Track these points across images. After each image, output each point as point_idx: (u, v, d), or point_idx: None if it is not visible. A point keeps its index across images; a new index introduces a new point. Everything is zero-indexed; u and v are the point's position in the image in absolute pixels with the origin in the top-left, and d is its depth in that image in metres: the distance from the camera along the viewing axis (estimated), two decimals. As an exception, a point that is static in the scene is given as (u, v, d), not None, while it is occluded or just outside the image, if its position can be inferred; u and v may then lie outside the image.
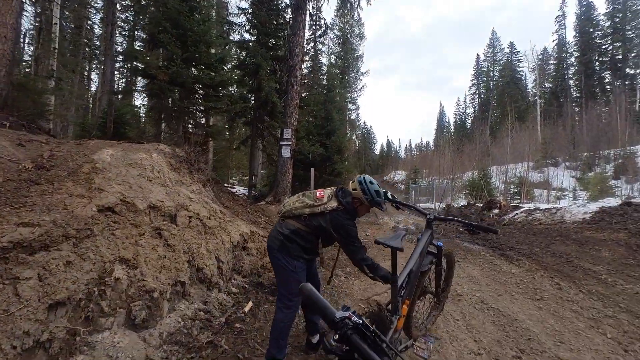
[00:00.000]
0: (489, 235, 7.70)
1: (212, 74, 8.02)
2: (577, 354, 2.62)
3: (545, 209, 10.94)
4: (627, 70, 36.65)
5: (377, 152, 68.73)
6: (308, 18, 10.48)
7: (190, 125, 9.07)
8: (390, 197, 2.38)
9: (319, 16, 15.24)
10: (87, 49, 20.49)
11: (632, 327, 3.09)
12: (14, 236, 1.92)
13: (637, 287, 4.05)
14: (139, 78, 9.53)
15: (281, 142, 9.12)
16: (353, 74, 34.02)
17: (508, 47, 47.57)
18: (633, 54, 36.00)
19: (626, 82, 35.85)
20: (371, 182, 2.21)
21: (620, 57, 36.81)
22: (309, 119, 12.59)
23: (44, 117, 7.12)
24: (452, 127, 58.29)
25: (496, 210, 12.26)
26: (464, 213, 13.46)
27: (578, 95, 39.41)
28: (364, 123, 62.90)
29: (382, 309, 1.86)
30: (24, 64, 9.35)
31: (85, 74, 23.59)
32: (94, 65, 24.23)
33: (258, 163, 18.16)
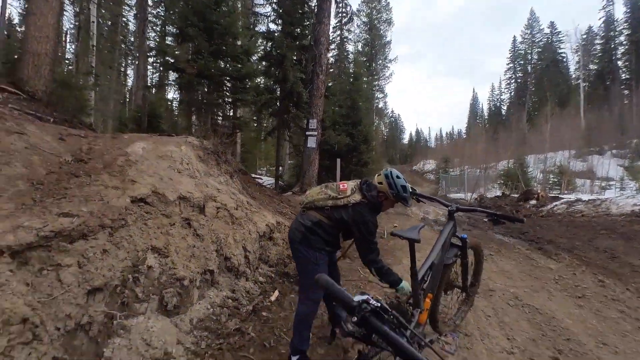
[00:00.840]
0: (522, 227, 7.31)
1: (239, 65, 8.10)
2: (623, 357, 2.43)
3: (589, 200, 10.21)
4: (689, 45, 32.86)
5: (405, 141, 67.18)
6: (334, 5, 10.28)
7: (218, 118, 9.28)
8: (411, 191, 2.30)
9: (345, 3, 14.84)
10: (122, 46, 21.43)
11: (689, 331, 2.82)
12: (55, 226, 2.05)
13: (696, 287, 3.68)
14: (170, 72, 9.85)
15: (307, 133, 9.11)
16: (380, 62, 33.19)
17: (548, 27, 44.12)
18: (697, 27, 32.17)
19: (687, 60, 32.20)
20: (398, 177, 2.13)
21: (681, 30, 33.00)
22: (335, 109, 12.46)
23: (85, 112, 7.57)
24: (486, 114, 55.55)
25: (533, 202, 11.61)
26: (497, 204, 12.85)
27: (628, 77, 35.97)
28: (392, 112, 61.46)
29: (401, 303, 1.82)
30: (65, 61, 9.95)
31: (122, 69, 24.78)
32: (129, 61, 25.37)
33: (285, 154, 18.35)
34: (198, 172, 3.93)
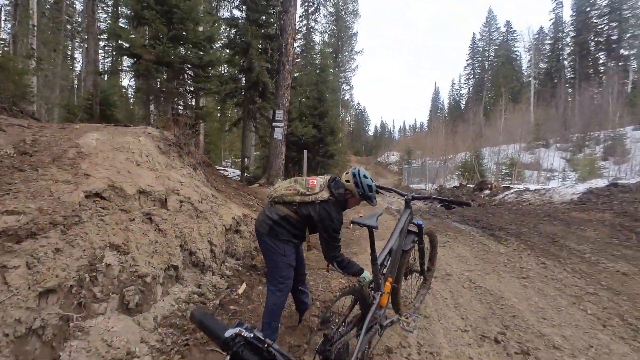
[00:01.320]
0: (477, 215, 7.85)
1: (201, 53, 7.77)
2: (558, 329, 2.74)
3: (535, 189, 11.14)
4: (622, 51, 36.49)
5: (371, 133, 68.43)
6: (300, -6, 10.10)
7: (179, 107, 8.88)
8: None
9: (311, -8, 14.69)
10: (68, 27, 19.58)
11: (612, 303, 3.22)
12: (-1, 224, 1.89)
13: (619, 265, 4.20)
14: (125, 57, 9.20)
15: (273, 124, 9.01)
16: (347, 53, 33.33)
17: (504, 26, 46.82)
18: (628, 35, 35.72)
19: (620, 64, 35.78)
20: (365, 176, 2.19)
21: (616, 37, 36.52)
22: (302, 100, 12.40)
23: (26, 99, 6.89)
24: (447, 107, 58.08)
25: (487, 191, 12.45)
26: (455, 194, 13.63)
27: (572, 76, 39.30)
28: (358, 104, 62.30)
29: (363, 286, 1.91)
30: (1, 43, 8.91)
31: (68, 53, 22.67)
32: (77, 44, 23.27)
33: (251, 145, 17.98)
34: (159, 164, 3.77)
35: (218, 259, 3.58)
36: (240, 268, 3.84)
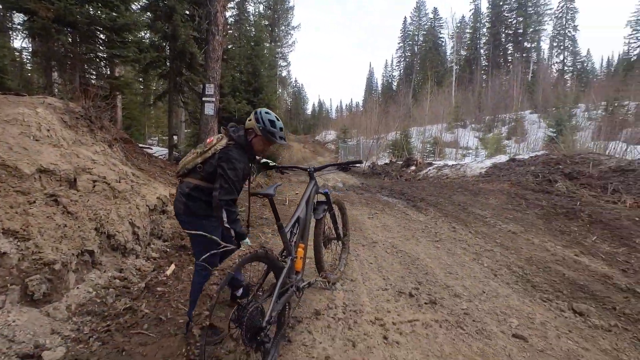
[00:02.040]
0: (403, 188, 8.56)
1: (114, 14, 6.80)
2: (460, 281, 3.23)
3: (452, 165, 12.48)
4: (526, 44, 41.81)
5: (309, 111, 68.37)
6: (229, -43, 9.37)
7: (90, 76, 7.77)
8: (284, 137, 2.28)
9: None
10: None
11: (503, 257, 3.88)
12: None
13: (510, 226, 5.03)
14: (14, 13, 7.63)
15: (203, 99, 8.44)
16: (283, 27, 32.26)
17: (432, 13, 49.75)
18: (531, 30, 40.94)
19: (523, 55, 41.05)
20: (267, 112, 2.14)
21: (521, 31, 41.57)
22: (235, 75, 11.77)
23: None
24: (380, 88, 60.52)
25: (413, 167, 13.57)
26: (386, 170, 14.60)
27: (486, 64, 43.94)
28: (296, 81, 61.36)
29: (267, 252, 1.90)
30: None
31: None
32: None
33: (180, 121, 16.67)
34: (64, 140, 3.33)
35: (142, 241, 3.37)
36: (168, 249, 3.68)
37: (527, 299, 2.90)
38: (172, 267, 3.30)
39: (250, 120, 2.13)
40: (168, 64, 9.03)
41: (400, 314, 2.59)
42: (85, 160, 3.24)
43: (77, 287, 2.53)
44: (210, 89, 8.34)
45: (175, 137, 9.62)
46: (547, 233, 4.72)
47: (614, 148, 11.22)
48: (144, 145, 9.77)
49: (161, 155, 8.63)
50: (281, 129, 2.17)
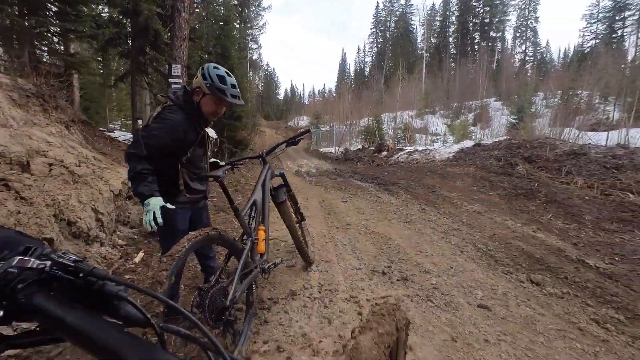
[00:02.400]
0: (375, 173, 8.71)
1: (65, -17, 6.19)
2: (429, 258, 3.36)
3: (422, 150, 12.85)
4: (492, 33, 43.25)
5: (281, 97, 67.23)
6: None
7: (42, 52, 7.09)
8: (238, 96, 1.94)
9: None
10: None
11: (468, 235, 4.08)
12: None
13: (475, 206, 5.29)
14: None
15: (170, 80, 7.98)
16: (254, 8, 31.04)
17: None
18: (496, 19, 42.33)
19: (489, 44, 42.50)
20: (215, 67, 1.85)
21: (488, 20, 42.89)
22: (204, 56, 11.24)
23: None
24: (353, 74, 60.44)
25: (385, 153, 13.82)
26: (358, 155, 14.76)
27: (455, 52, 45.09)
28: (267, 65, 59.82)
29: (222, 233, 1.74)
30: None
31: None
32: None
33: (144, 104, 15.72)
34: (14, 120, 3.03)
35: (107, 228, 3.19)
36: (136, 236, 3.52)
37: (491, 272, 3.08)
38: (141, 254, 3.16)
39: (197, 77, 1.84)
40: (130, 42, 8.43)
41: (373, 291, 2.66)
42: (39, 142, 2.97)
43: (34, 277, 2.35)
44: (177, 69, 7.90)
45: (139, 122, 9.05)
46: (508, 212, 5.02)
47: (568, 134, 12.04)
48: (105, 129, 9.17)
49: (125, 140, 8.14)
50: (233, 85, 1.87)
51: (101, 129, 8.11)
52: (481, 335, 2.14)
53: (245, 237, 2.06)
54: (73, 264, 0.48)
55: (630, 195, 5.35)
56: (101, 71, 14.31)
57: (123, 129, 15.88)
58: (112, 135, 7.55)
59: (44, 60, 6.78)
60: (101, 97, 14.83)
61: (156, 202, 1.63)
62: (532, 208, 5.14)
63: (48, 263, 0.47)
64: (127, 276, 2.86)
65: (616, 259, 3.35)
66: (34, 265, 0.46)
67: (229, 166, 2.20)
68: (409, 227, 4.40)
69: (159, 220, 1.61)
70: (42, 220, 2.52)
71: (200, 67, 1.86)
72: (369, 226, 4.34)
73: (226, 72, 1.86)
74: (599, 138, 11.59)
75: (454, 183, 7.09)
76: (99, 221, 3.09)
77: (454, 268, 3.15)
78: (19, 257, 0.45)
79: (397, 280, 2.85)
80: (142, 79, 9.30)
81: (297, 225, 2.87)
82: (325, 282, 2.78)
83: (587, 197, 5.34)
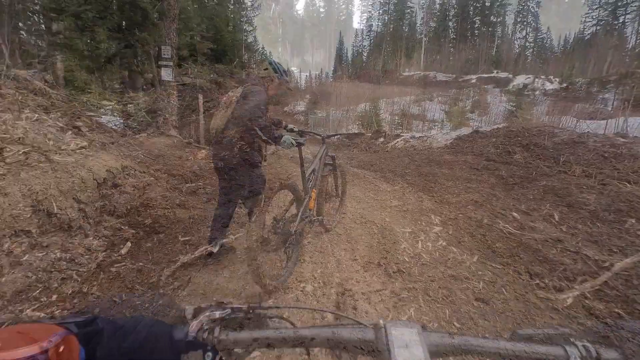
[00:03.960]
0: (372, 160, 8.60)
1: (44, -43, 5.83)
2: (426, 249, 3.29)
3: (419, 137, 12.68)
4: (492, 17, 42.41)
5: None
6: None
7: (20, 32, 6.77)
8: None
9: None
10: None
11: (466, 225, 4.01)
12: None
13: (473, 195, 5.21)
14: None
15: (160, 63, 7.73)
16: (248, -12, 29.92)
17: (403, -18, 48.46)
18: (497, 4, 41.42)
19: (489, 29, 41.75)
20: (278, 63, 2.77)
21: (489, 4, 41.97)
22: (196, 38, 10.85)
23: None
24: (350, 59, 59.31)
25: (382, 139, 13.63)
26: (354, 142, 14.59)
27: (454, 37, 44.27)
28: (263, 48, 58.38)
29: (293, 183, 2.50)
30: None
31: None
32: None
33: (136, 88, 15.30)
34: (-15, 104, 2.85)
35: (91, 219, 3.06)
36: (123, 227, 3.39)
37: (489, 263, 3.02)
38: (128, 245, 3.05)
39: (266, 69, 2.69)
40: (117, 20, 8.06)
41: (369, 283, 2.59)
42: (14, 128, 2.80)
43: (12, 272, 2.24)
44: (167, 51, 7.62)
45: (130, 105, 8.77)
46: (506, 201, 4.95)
47: (566, 122, 11.93)
48: (92, 114, 8.88)
49: (115, 125, 7.89)
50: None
51: (88, 113, 7.84)
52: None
53: (303, 192, 2.72)
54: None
55: (627, 184, 5.29)
56: (87, 53, 13.80)
57: (115, 115, 15.47)
58: (101, 120, 7.30)
59: (24, 40, 6.47)
60: (89, 79, 14.34)
61: (287, 137, 2.53)
62: (529, 197, 5.07)
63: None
64: (112, 269, 2.75)
65: (614, 250, 3.30)
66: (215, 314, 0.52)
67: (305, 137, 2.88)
68: (405, 216, 4.31)
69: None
70: (17, 211, 2.39)
71: (268, 62, 2.89)
72: (365, 215, 4.24)
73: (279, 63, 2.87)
74: (597, 126, 11.51)
75: (450, 171, 6.98)
76: (82, 211, 2.97)
77: (450, 259, 3.10)
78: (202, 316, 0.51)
79: (393, 272, 2.79)
80: (132, 61, 8.97)
81: (339, 200, 3.85)
82: (318, 274, 2.69)
83: (584, 187, 5.27)
